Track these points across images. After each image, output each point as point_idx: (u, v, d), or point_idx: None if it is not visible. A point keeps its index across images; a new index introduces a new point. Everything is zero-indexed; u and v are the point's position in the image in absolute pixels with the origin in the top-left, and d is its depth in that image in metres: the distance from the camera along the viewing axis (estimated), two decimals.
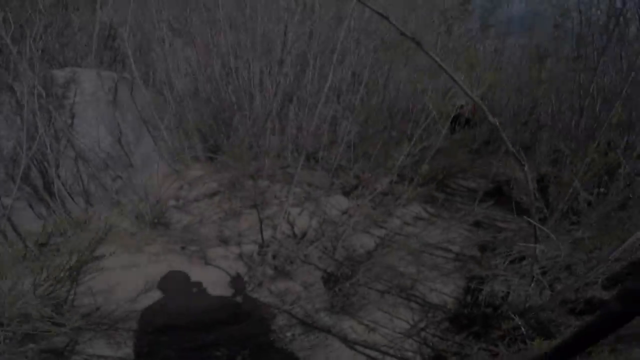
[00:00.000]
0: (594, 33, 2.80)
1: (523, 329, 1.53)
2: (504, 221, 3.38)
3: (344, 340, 1.80)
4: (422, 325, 1.96)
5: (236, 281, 2.35)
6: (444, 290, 2.27)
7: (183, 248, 2.69)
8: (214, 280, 2.34)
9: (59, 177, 2.73)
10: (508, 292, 2.02)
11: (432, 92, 3.20)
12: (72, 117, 2.78)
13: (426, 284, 2.32)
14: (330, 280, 2.34)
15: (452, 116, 3.60)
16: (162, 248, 2.64)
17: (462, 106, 4.50)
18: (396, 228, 3.08)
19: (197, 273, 2.40)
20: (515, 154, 0.96)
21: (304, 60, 3.35)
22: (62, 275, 2.16)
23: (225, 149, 3.62)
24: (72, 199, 2.76)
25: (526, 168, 1.00)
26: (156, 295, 2.16)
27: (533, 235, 2.08)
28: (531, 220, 1.12)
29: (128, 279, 2.29)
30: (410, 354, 1.76)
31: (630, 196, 2.19)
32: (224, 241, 2.81)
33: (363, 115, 3.43)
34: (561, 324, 1.70)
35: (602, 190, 2.32)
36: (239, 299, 2.17)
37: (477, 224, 3.29)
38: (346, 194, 3.42)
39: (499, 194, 3.92)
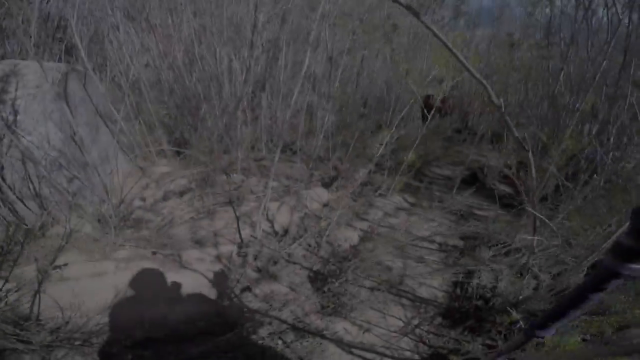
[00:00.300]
0: (562, 22, 2.94)
1: (522, 323, 1.60)
2: (481, 209, 3.53)
3: (340, 343, 1.79)
4: (415, 322, 2.00)
5: (217, 286, 2.26)
6: (433, 284, 2.33)
7: (154, 253, 2.54)
8: (192, 287, 2.24)
9: (4, 180, 2.48)
10: (496, 284, 2.12)
11: (409, 79, 3.20)
12: (15, 113, 2.50)
13: (414, 277, 2.37)
14: (317, 279, 2.32)
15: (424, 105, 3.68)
16: (131, 253, 2.49)
17: (431, 96, 4.57)
18: (378, 220, 3.11)
19: (173, 279, 2.28)
20: (519, 140, 0.96)
21: (276, 47, 3.22)
22: (21, 288, 1.98)
23: (193, 142, 3.45)
24: (24, 203, 2.51)
25: (530, 155, 1.01)
26: (130, 305, 2.04)
27: (511, 223, 2.17)
28: (532, 211, 1.14)
29: (96, 288, 2.14)
30: (407, 353, 1.79)
31: (614, 181, 2.35)
32: (199, 243, 2.69)
33: (339, 103, 3.39)
34: None
35: (581, 177, 2.47)
36: (221, 305, 2.10)
37: (456, 213, 3.41)
38: (325, 185, 3.39)
39: (474, 181, 4.07)
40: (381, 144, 2.97)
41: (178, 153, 3.38)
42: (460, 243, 2.87)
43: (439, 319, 2.05)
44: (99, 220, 2.71)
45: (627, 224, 0.45)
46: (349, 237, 2.79)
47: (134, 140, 3.24)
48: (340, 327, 1.94)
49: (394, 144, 3.34)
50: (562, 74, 2.76)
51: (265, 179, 3.35)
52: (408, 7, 0.88)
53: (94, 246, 2.49)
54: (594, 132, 3.01)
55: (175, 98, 3.51)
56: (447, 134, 5.01)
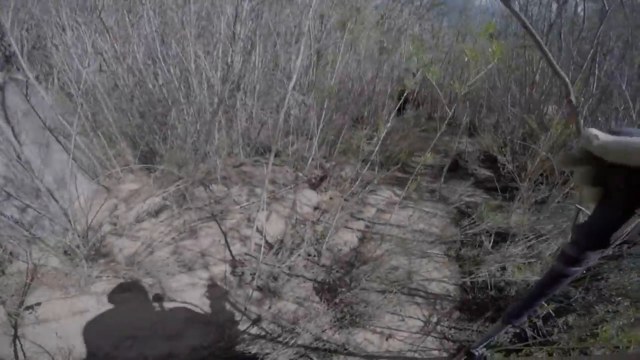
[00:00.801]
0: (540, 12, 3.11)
1: (551, 310, 1.67)
2: (468, 195, 3.68)
3: (366, 356, 1.77)
4: (434, 319, 2.03)
5: (217, 313, 2.13)
6: (442, 278, 2.39)
7: (137, 282, 2.36)
8: (190, 316, 2.09)
9: None
10: (503, 272, 2.21)
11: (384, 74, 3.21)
12: None
13: (422, 274, 2.40)
14: (324, 290, 2.27)
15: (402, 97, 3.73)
16: (111, 285, 2.28)
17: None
18: (373, 217, 3.11)
19: (167, 310, 2.12)
20: (580, 129, 0.96)
21: (251, 41, 3.07)
22: None
23: (163, 153, 3.22)
24: None
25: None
26: (128, 345, 1.86)
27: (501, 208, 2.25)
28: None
29: (81, 329, 1.95)
30: (435, 352, 1.81)
31: None
32: (186, 266, 2.53)
33: (322, 99, 3.32)
34: (572, 299, 1.91)
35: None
36: (227, 334, 1.98)
37: (444, 200, 3.51)
38: (313, 186, 3.33)
39: (455, 167, 4.24)
40: (370, 140, 2.96)
41: (148, 167, 3.14)
42: (457, 232, 2.96)
43: (456, 313, 2.10)
44: (65, 252, 2.45)
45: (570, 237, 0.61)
46: (347, 240, 2.76)
47: (93, 156, 2.96)
48: (361, 338, 1.91)
49: (381, 138, 3.35)
50: (541, 61, 2.94)
51: (248, 187, 3.22)
52: None
53: (66, 280, 2.26)
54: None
55: (138, 105, 3.25)
56: (425, 126, 5.16)
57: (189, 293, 2.28)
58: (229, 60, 2.58)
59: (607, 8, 2.28)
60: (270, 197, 3.06)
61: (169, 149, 3.14)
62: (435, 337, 1.92)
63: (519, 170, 3.15)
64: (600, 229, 0.50)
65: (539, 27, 3.23)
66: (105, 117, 3.06)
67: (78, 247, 2.42)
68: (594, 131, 0.44)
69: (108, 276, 2.35)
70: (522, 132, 3.12)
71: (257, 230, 2.79)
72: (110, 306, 2.11)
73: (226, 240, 2.70)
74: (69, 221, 2.61)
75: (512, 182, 3.68)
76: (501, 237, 2.55)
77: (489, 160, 4.33)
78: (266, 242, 2.73)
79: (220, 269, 2.49)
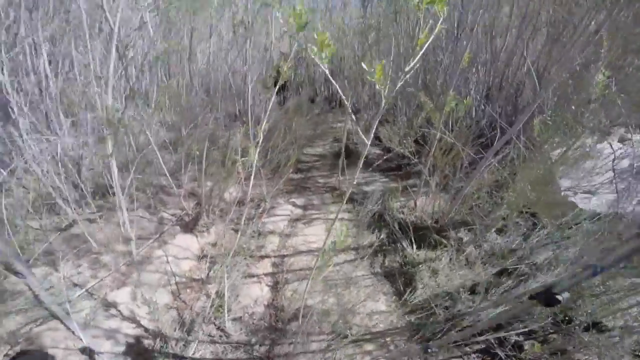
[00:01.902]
0: None
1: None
2: (367, 183, 3.50)
3: None
4: None
5: None
6: (379, 308, 2.10)
7: None
8: None
9: None
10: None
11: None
12: None
13: (357, 310, 2.07)
14: None
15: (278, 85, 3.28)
16: None
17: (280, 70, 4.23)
18: (279, 248, 2.60)
19: None
20: None
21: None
22: None
23: None
24: None
25: None
26: None
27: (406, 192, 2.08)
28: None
29: None
30: None
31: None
32: None
33: (166, 102, 2.53)
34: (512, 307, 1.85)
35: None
36: None
37: (353, 201, 3.21)
38: (188, 227, 2.58)
39: (348, 153, 4.03)
40: (247, 149, 2.38)
41: None
42: (374, 240, 2.71)
43: (414, 348, 1.86)
44: None
45: None
46: (257, 295, 2.18)
47: None
48: None
49: (264, 140, 2.80)
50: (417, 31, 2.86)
51: (87, 257, 2.27)
52: None
53: None
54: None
55: None
56: (309, 113, 4.83)
57: None
58: None
59: None
60: (126, 264, 2.23)
61: None
62: None
63: (417, 152, 3.10)
64: None
65: None
66: None
67: None
68: None
69: None
70: (424, 115, 3.01)
71: (121, 317, 2.00)
72: None
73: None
74: None
75: (404, 160, 3.67)
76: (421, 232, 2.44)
77: (376, 139, 4.25)
78: (145, 331, 1.97)
79: None
